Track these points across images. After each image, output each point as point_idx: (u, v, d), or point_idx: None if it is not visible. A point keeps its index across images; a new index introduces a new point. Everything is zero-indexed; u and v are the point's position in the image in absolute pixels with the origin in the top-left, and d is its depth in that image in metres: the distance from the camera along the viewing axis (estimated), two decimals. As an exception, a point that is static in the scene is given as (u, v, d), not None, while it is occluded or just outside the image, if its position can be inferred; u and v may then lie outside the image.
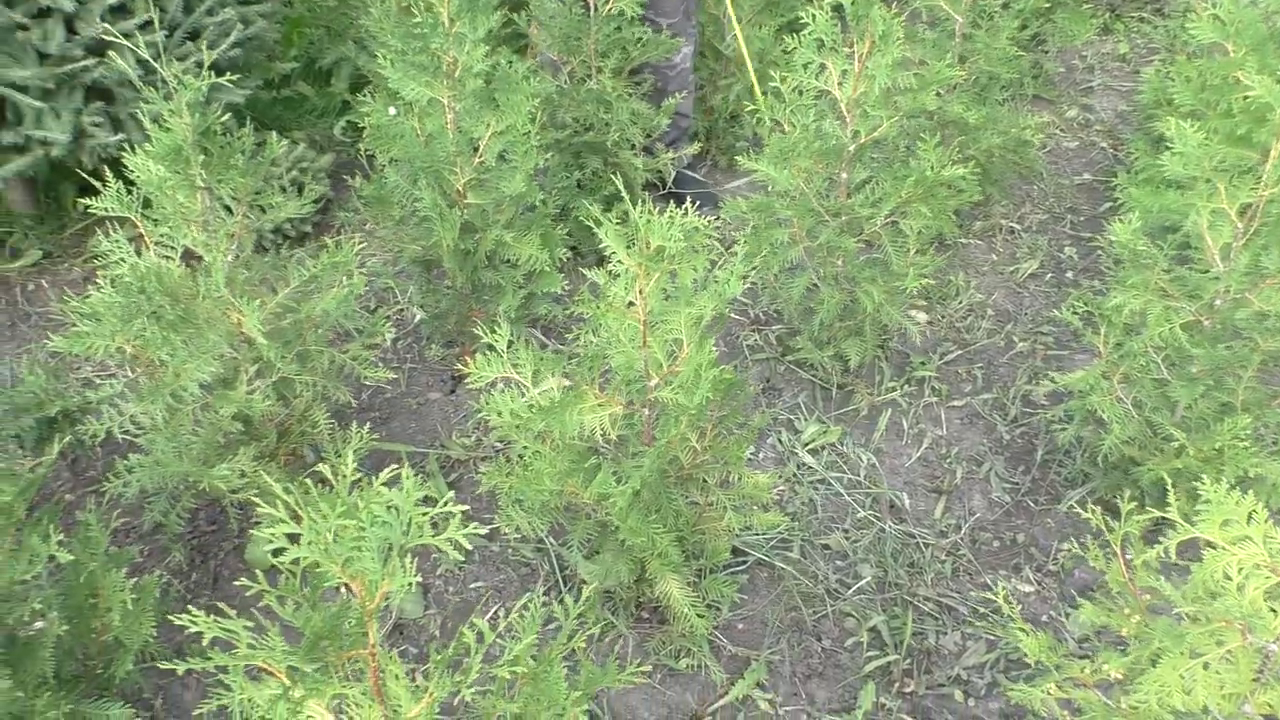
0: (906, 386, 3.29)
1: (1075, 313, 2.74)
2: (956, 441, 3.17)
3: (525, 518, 2.34)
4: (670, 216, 1.95)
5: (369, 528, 1.18)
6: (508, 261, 2.92)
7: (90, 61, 3.06)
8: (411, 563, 1.15)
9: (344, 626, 1.19)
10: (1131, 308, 2.56)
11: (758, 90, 3.50)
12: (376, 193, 2.86)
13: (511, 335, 2.84)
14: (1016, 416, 3.25)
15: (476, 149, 2.81)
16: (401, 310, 3.51)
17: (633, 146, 3.34)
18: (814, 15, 2.76)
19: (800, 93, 2.86)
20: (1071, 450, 3.09)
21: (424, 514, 1.13)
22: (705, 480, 2.35)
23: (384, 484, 1.22)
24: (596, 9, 3.25)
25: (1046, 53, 5.10)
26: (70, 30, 3.08)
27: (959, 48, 3.60)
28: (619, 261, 2.03)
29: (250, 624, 1.24)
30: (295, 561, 1.19)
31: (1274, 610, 1.56)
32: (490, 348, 2.27)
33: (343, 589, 1.23)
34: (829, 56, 2.77)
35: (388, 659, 1.28)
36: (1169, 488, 1.68)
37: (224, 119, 2.13)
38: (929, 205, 2.83)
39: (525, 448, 2.27)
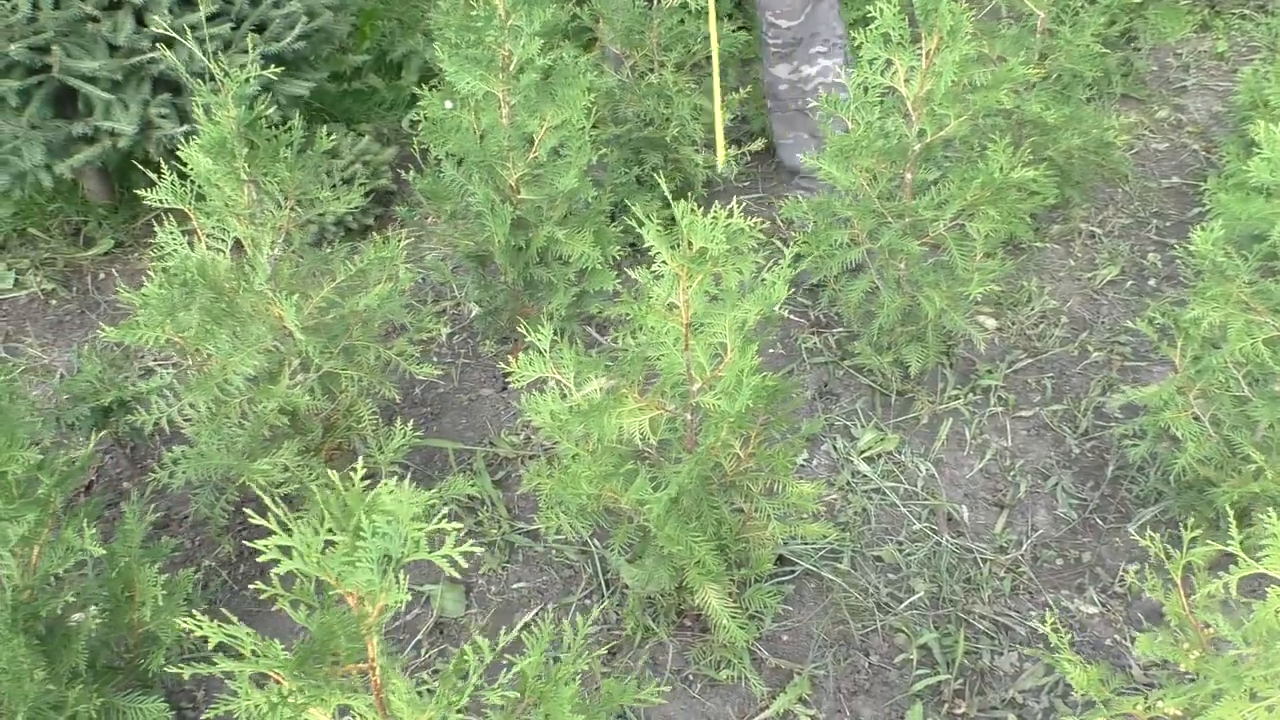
0: (971, 395, 3.18)
1: (1151, 323, 2.61)
2: (1022, 454, 3.04)
3: (566, 519, 2.30)
4: (714, 217, 1.89)
5: (370, 539, 1.15)
6: (560, 258, 2.89)
7: (158, 53, 3.10)
8: (404, 578, 1.12)
9: (343, 638, 1.15)
10: (1211, 320, 2.41)
11: (717, 94, 3.22)
12: (430, 187, 2.84)
13: (565, 332, 2.80)
14: (1088, 429, 3.11)
15: (531, 144, 2.78)
16: (458, 305, 3.50)
17: (693, 142, 3.27)
18: (881, 9, 2.66)
19: (866, 89, 2.77)
20: (1145, 467, 2.94)
21: (419, 529, 1.09)
22: (750, 488, 2.28)
23: (389, 492, 1.19)
24: (659, 2, 3.19)
25: (1138, 50, 4.89)
26: (139, 22, 3.12)
27: (1040, 44, 3.46)
28: (663, 262, 1.98)
29: (251, 630, 1.22)
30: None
31: (1347, 655, 1.44)
32: (533, 347, 2.23)
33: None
34: (896, 52, 2.67)
35: (391, 671, 1.25)
36: (1231, 518, 1.57)
37: (270, 111, 2.12)
38: (997, 208, 2.71)
39: (567, 449, 2.23)
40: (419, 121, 2.82)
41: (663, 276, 2.01)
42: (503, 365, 3.25)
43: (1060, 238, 3.90)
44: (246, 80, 2.09)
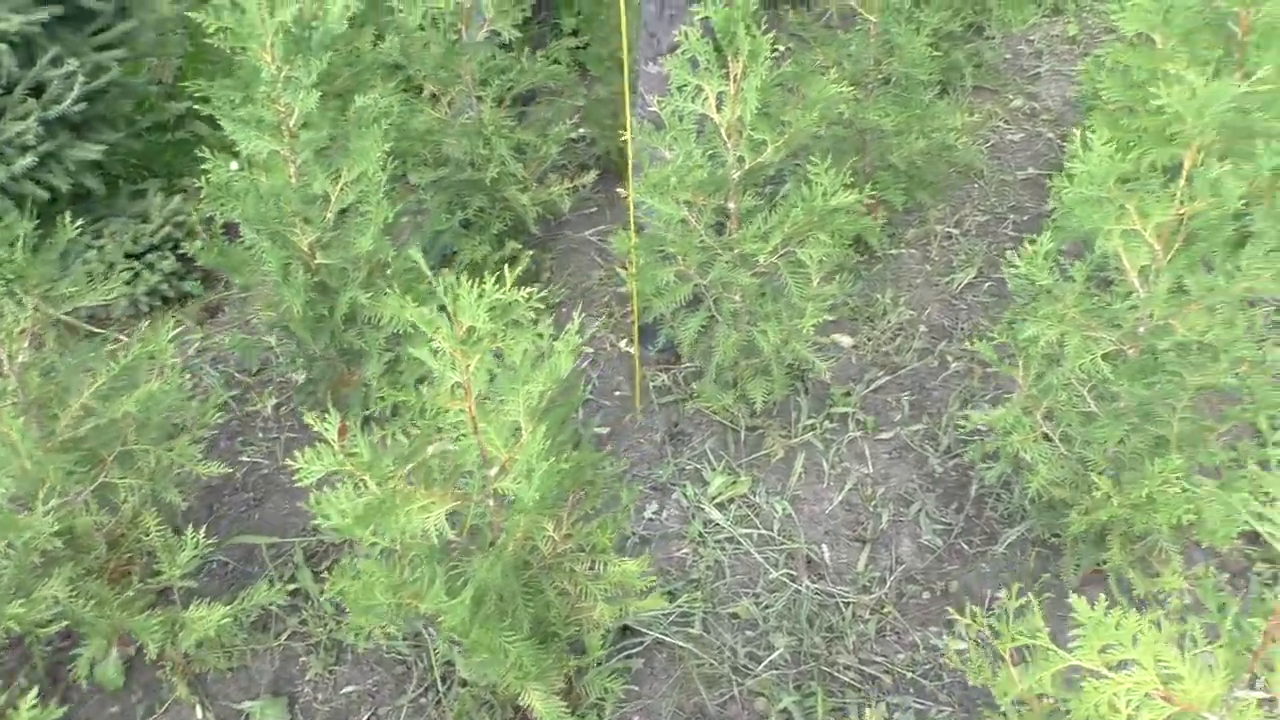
0: (827, 422, 3.03)
1: (991, 343, 2.49)
2: (883, 480, 2.91)
3: (378, 623, 2.09)
4: (480, 292, 1.71)
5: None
6: (370, 322, 2.67)
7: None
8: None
9: None
10: (1047, 339, 2.30)
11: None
12: (217, 258, 2.60)
13: (384, 401, 2.58)
14: (950, 446, 2.99)
15: (326, 202, 2.56)
16: (286, 374, 3.26)
17: (518, 181, 3.08)
18: (686, 33, 2.50)
19: (680, 118, 2.61)
20: (1009, 482, 2.83)
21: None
22: (573, 569, 2.10)
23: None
24: (470, 35, 2.99)
25: (990, 39, 4.82)
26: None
27: (875, 49, 3.33)
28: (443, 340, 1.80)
29: None
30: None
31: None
32: (320, 438, 2.02)
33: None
34: (704, 77, 2.51)
35: None
36: (1011, 596, 1.43)
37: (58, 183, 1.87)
38: (827, 232, 2.57)
39: (372, 546, 2.03)
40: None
41: (441, 354, 1.83)
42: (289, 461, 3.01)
43: (916, 241, 3.79)
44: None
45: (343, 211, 2.59)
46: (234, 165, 2.62)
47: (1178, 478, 2.12)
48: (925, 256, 3.72)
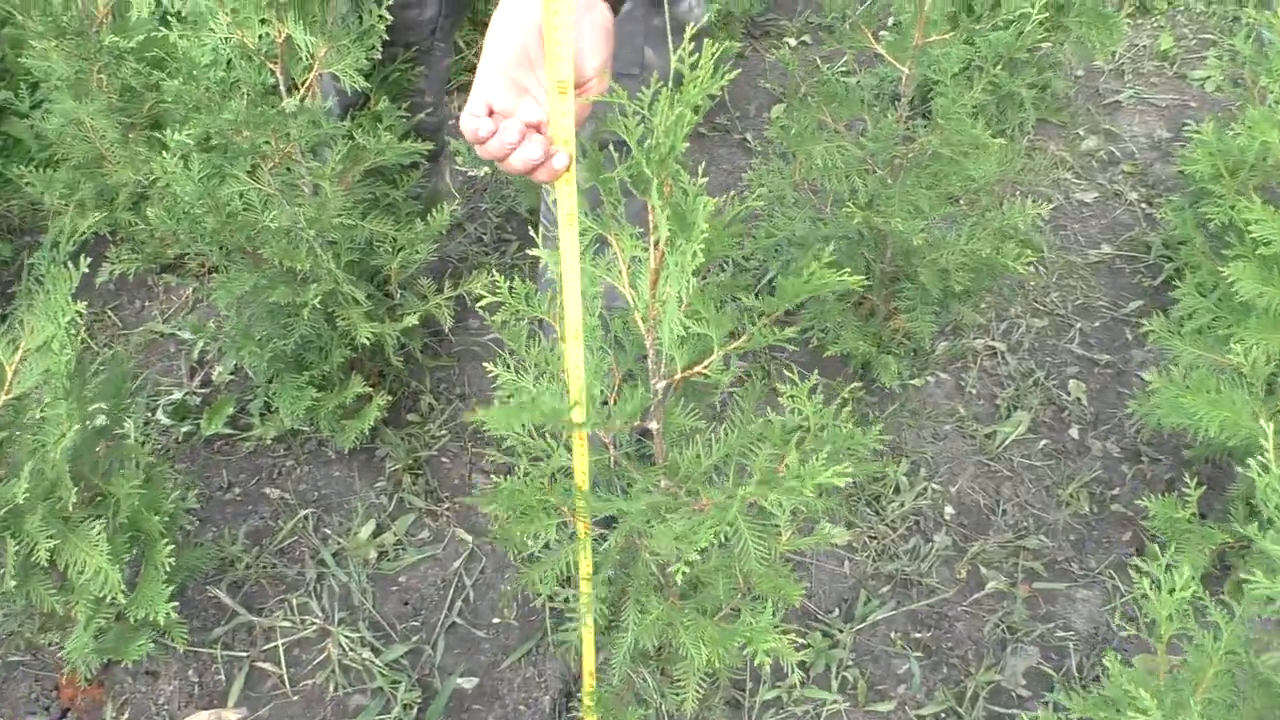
0: (798, 690, 2.06)
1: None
2: (875, 794, 1.96)
3: None
4: None
5: None
6: (74, 568, 1.69)
7: None
8: None
9: None
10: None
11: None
12: None
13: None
14: (977, 732, 2.03)
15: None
16: None
17: (356, 302, 2.06)
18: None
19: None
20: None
21: None
22: None
23: None
24: (292, 89, 1.94)
25: (1057, 63, 3.69)
26: None
27: (900, 127, 2.26)
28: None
29: None
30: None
31: None
32: None
33: None
34: (610, 227, 1.49)
35: None
36: None
37: None
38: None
39: None
40: None
41: None
42: (57, 695, 2.06)
43: (947, 362, 2.76)
44: None
45: (22, 399, 1.60)
46: None
47: None
48: (958, 387, 2.70)
